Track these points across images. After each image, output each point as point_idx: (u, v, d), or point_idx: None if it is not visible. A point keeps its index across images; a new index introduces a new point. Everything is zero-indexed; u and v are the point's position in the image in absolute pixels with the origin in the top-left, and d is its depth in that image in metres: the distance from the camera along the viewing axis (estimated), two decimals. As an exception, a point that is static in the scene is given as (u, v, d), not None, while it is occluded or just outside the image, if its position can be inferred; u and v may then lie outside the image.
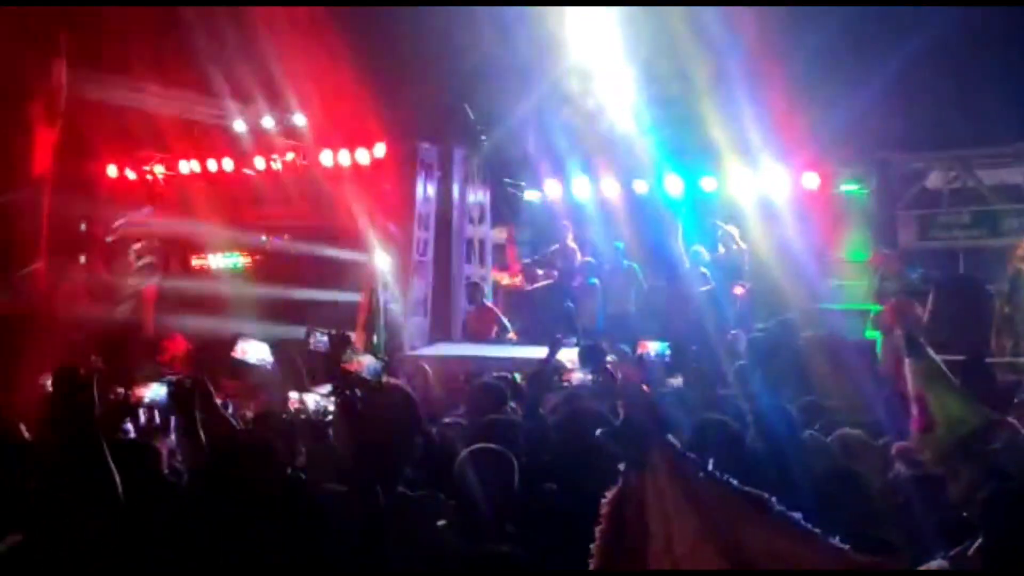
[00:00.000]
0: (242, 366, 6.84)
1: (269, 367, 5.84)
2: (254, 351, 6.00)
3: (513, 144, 14.60)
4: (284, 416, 4.61)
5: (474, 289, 13.51)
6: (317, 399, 4.76)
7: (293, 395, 4.75)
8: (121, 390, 5.14)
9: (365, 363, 5.73)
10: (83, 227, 14.70)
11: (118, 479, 3.05)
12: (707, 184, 13.26)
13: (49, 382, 5.10)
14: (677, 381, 7.61)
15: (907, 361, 5.25)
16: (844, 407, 6.65)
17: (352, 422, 3.48)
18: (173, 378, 4.59)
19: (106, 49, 13.13)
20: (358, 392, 4.02)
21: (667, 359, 8.29)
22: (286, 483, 3.42)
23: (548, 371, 7.25)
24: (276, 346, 5.63)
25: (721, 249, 13.12)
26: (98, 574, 3.01)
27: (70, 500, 3.05)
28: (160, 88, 14.17)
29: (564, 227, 14.36)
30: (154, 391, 4.30)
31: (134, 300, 14.15)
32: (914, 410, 5.06)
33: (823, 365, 8.38)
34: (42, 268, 13.65)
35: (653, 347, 9.40)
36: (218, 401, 5.98)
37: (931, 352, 5.26)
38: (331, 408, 4.66)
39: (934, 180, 12.88)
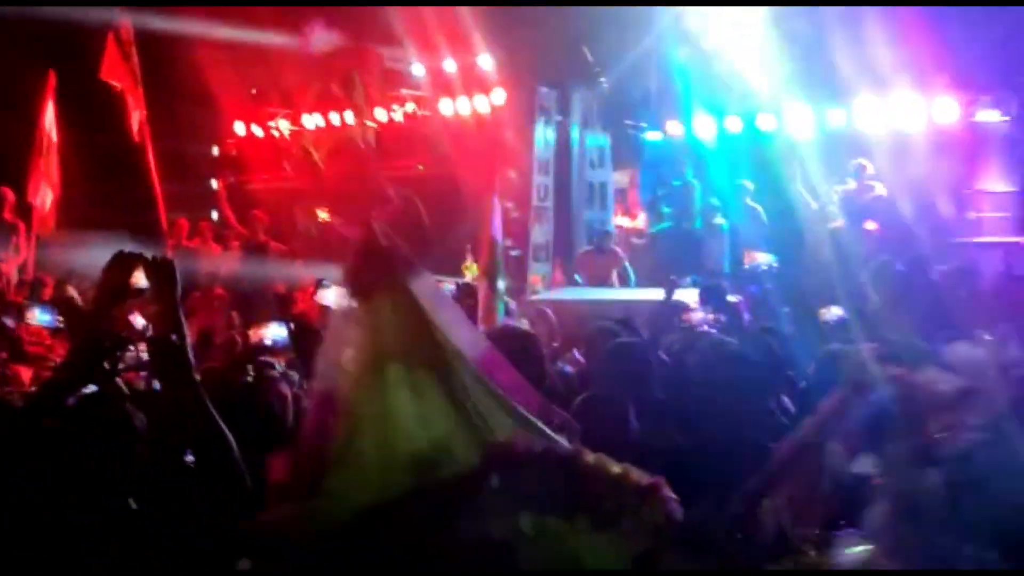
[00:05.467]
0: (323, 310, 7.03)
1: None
2: (332, 296, 6.08)
3: (633, 85, 14.35)
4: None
5: (604, 237, 13.26)
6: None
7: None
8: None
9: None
10: (215, 184, 15.14)
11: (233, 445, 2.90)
12: (834, 117, 12.78)
13: None
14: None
15: None
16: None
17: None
18: (292, 320, 4.66)
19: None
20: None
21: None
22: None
23: (666, 312, 7.20)
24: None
25: (852, 184, 12.61)
26: None
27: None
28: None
29: (681, 163, 14.01)
30: (273, 331, 4.36)
31: (263, 254, 14.53)
32: None
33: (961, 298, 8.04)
34: (183, 224, 14.17)
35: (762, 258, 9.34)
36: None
37: None
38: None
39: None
